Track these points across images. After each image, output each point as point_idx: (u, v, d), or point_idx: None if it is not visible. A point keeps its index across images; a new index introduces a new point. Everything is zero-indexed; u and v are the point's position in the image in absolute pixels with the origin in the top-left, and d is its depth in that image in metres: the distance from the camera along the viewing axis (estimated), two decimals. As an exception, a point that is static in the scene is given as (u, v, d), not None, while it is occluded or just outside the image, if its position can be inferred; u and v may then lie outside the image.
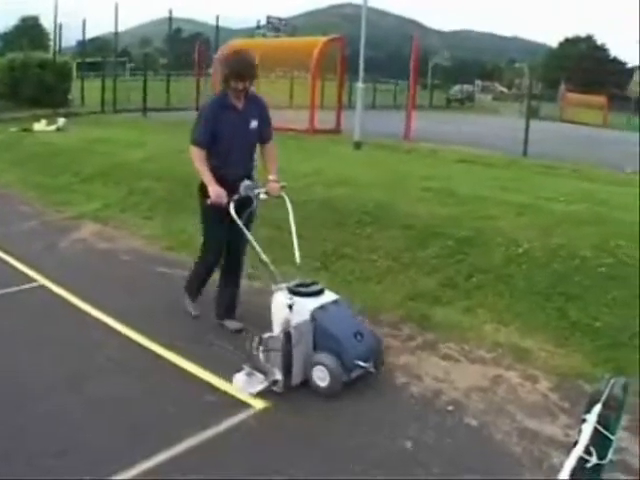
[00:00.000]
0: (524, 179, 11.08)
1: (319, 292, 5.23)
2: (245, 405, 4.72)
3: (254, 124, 5.83)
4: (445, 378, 5.26)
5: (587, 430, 1.99)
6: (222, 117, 5.69)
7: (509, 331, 5.92)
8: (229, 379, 4.97)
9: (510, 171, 12.36)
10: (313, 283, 5.31)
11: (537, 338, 5.78)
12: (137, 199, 10.45)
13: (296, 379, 4.91)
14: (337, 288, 5.71)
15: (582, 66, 77.96)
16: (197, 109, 22.93)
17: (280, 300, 5.08)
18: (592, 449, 2.06)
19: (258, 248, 5.39)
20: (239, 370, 4.91)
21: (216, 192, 5.46)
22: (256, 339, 4.92)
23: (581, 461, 2.05)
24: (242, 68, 5.64)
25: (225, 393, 4.88)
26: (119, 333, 5.88)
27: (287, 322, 4.90)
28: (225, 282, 6.19)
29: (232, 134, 5.72)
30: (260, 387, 4.81)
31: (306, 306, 5.03)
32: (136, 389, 4.94)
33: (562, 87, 52.92)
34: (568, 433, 4.43)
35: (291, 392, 4.85)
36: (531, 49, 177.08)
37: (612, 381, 2.09)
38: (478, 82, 65.36)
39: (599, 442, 2.08)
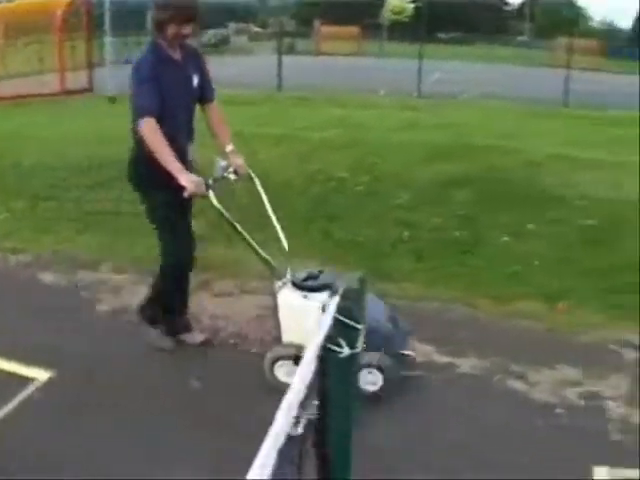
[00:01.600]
0: (279, 113, 11.30)
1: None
2: (29, 379, 4.44)
3: (196, 80, 4.55)
4: (224, 314, 5.26)
5: (326, 320, 2.08)
6: (164, 74, 4.30)
7: (278, 259, 6.04)
8: (6, 357, 4.69)
9: (266, 106, 12.56)
10: (321, 272, 4.31)
11: (304, 260, 5.94)
12: None
13: None
14: (106, 247, 5.58)
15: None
16: None
17: (301, 303, 4.08)
18: (341, 341, 2.15)
19: (254, 243, 4.33)
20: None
21: (194, 181, 4.07)
22: (271, 357, 4.20)
23: (334, 354, 2.14)
24: (190, 7, 4.33)
25: (5, 371, 4.56)
26: None
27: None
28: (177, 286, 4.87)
29: (177, 94, 4.39)
30: None
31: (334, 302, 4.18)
32: None
33: (317, 22, 53.79)
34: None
35: (78, 359, 4.69)
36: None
37: (349, 276, 2.20)
38: (232, 25, 64.98)
39: (346, 334, 2.18)
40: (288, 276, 4.25)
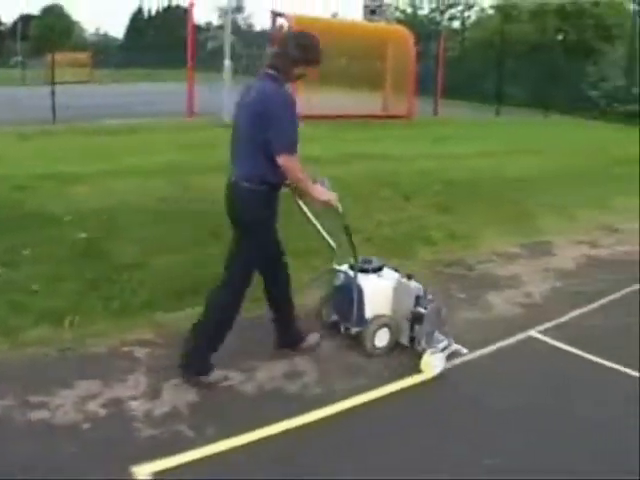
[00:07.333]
0: None
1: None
2: None
3: None
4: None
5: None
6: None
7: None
8: None
9: None
10: (367, 258, 5.39)
11: None
12: None
13: None
14: None
15: None
16: None
17: (381, 282, 5.24)
18: None
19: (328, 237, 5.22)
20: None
21: (333, 196, 4.73)
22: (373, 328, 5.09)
23: None
24: (320, 51, 4.56)
25: None
26: None
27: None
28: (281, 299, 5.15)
29: None
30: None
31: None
32: None
33: None
34: None
35: None
36: None
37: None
38: None
39: None
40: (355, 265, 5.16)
